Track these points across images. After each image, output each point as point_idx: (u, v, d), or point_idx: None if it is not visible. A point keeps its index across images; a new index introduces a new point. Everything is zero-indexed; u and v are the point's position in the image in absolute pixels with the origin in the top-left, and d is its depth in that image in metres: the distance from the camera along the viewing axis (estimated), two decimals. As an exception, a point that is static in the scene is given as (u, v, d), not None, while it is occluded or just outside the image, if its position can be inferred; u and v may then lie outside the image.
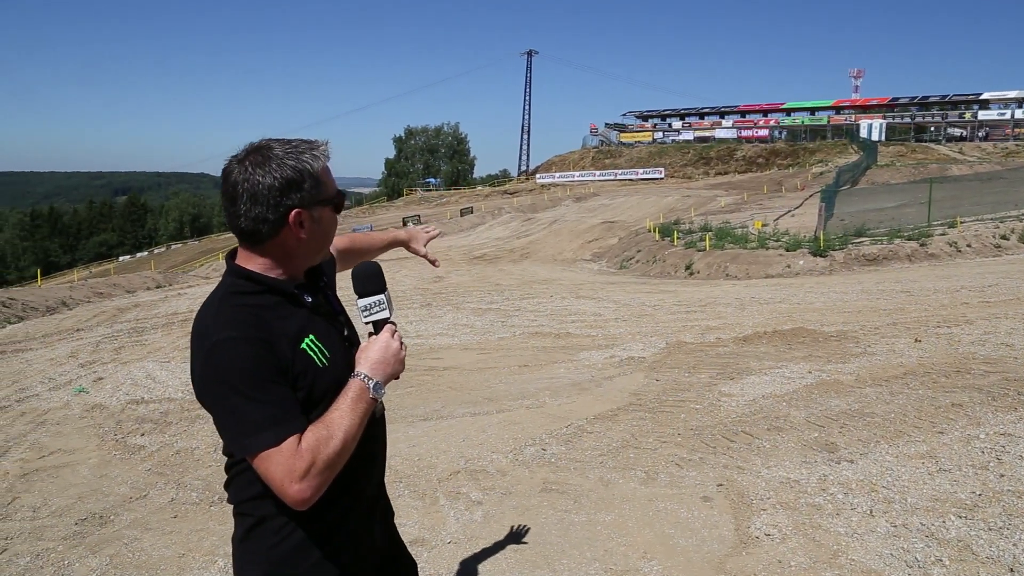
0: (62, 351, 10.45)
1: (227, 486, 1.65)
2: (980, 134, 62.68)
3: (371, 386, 1.56)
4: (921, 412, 5.40)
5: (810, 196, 37.37)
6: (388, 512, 1.91)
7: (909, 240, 18.93)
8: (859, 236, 19.83)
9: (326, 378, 1.55)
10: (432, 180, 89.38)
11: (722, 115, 79.63)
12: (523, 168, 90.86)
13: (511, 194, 67.99)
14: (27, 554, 4.08)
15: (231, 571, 1.67)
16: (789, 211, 32.65)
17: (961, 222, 20.27)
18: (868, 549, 3.53)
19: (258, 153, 1.54)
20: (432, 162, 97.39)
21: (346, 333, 1.71)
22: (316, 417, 1.50)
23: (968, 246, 18.38)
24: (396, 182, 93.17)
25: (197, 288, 20.93)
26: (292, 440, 1.43)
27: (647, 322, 11.04)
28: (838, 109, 72.83)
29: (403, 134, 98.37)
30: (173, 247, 67.60)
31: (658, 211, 39.38)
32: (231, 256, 1.62)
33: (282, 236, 1.56)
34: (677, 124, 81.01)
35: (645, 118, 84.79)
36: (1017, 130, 60.08)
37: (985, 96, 64.04)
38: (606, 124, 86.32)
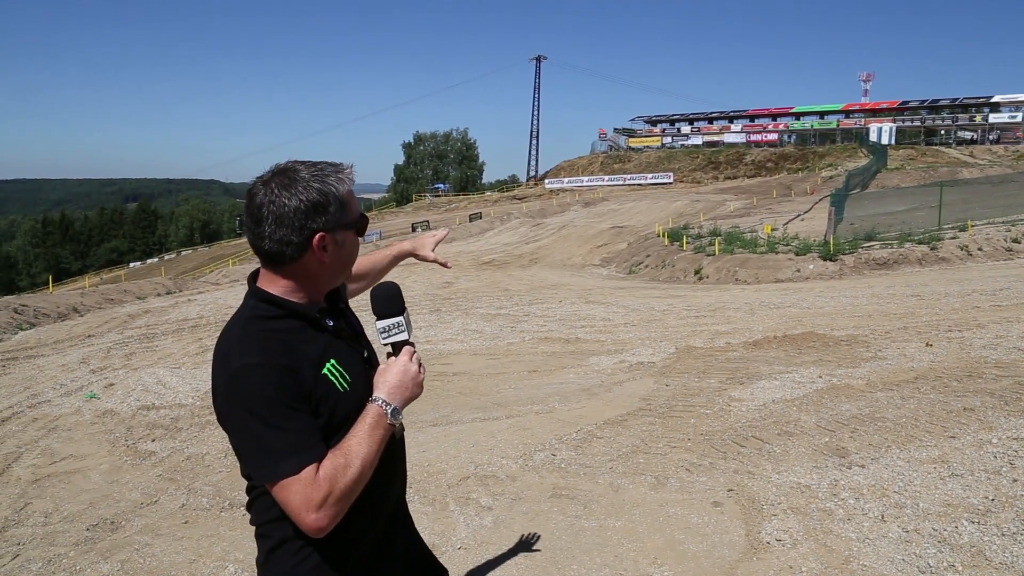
0: (73, 357, 10.51)
1: (248, 507, 1.66)
2: (991, 137, 62.39)
3: (388, 412, 1.54)
4: (933, 416, 5.37)
5: (820, 200, 37.25)
6: (408, 522, 1.89)
7: (920, 244, 18.84)
8: (869, 240, 19.76)
9: (347, 402, 1.55)
10: (441, 186, 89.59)
11: (731, 119, 79.53)
12: (532, 173, 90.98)
13: (520, 199, 68.11)
14: (39, 560, 4.10)
15: None
16: (799, 215, 32.56)
17: (972, 225, 20.17)
18: (880, 555, 3.51)
19: (284, 175, 1.53)
20: (441, 168, 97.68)
21: (366, 355, 1.70)
22: (336, 441, 1.50)
23: (979, 250, 18.27)
24: (405, 188, 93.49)
25: (207, 294, 21.01)
26: (311, 469, 1.43)
27: (656, 327, 11.02)
28: (848, 113, 72.61)
29: (412, 140, 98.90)
30: (183, 253, 67.96)
31: (667, 216, 39.35)
32: (253, 278, 1.62)
33: (305, 259, 1.55)
34: (686, 129, 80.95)
35: (654, 123, 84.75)
36: (1028, 133, 59.78)
37: (996, 99, 63.76)
38: (615, 129, 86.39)
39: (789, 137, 73.29)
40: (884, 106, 71.12)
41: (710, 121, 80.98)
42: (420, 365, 1.65)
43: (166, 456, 5.91)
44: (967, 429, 5.04)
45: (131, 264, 66.25)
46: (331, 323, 1.62)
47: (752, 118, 78.08)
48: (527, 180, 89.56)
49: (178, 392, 8.06)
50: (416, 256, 2.35)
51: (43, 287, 40.67)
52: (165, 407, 7.46)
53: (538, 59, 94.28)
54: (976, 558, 3.37)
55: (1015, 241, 18.57)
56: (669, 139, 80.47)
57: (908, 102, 70.56)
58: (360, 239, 1.67)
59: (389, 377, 1.59)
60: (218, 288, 24.60)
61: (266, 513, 1.58)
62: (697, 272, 20.42)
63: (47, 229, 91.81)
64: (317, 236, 1.53)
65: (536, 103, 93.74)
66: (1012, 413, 5.26)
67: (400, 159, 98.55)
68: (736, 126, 77.60)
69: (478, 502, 4.59)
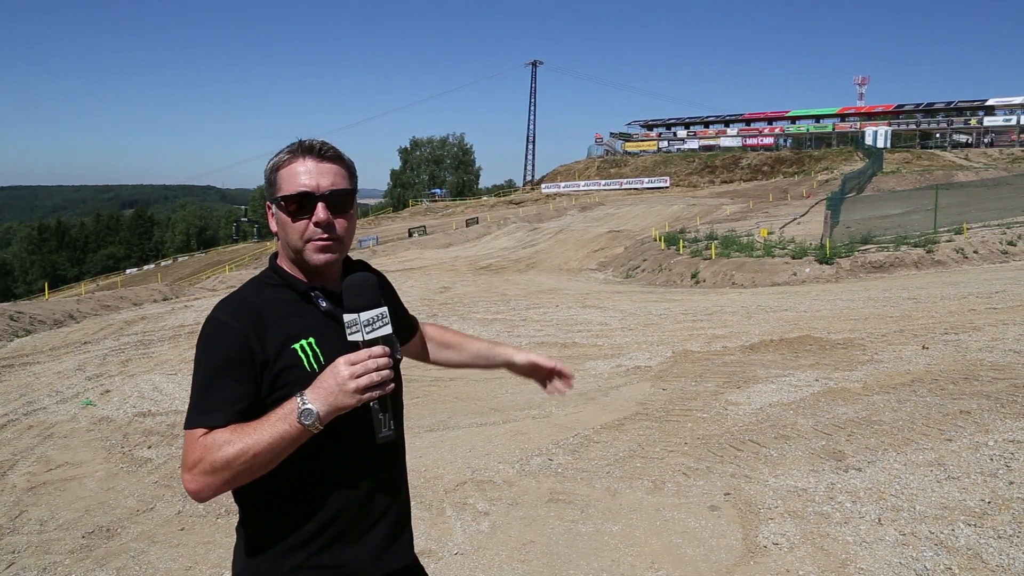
0: (69, 364, 10.49)
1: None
2: (986, 140, 62.59)
3: (299, 411, 1.44)
4: (929, 419, 5.38)
5: (816, 204, 37.29)
6: (403, 551, 1.76)
7: (916, 247, 18.87)
8: (865, 243, 19.77)
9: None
10: (438, 191, 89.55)
11: (727, 123, 79.71)
12: (528, 178, 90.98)
13: (517, 204, 68.12)
14: (34, 568, 4.09)
15: None
16: (795, 219, 32.59)
17: (968, 228, 20.21)
18: (877, 558, 3.51)
19: None
20: (438, 173, 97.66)
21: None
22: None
23: (975, 252, 18.31)
24: (402, 193, 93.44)
25: (203, 300, 20.98)
26: (200, 432, 1.46)
27: (653, 331, 11.02)
28: (843, 116, 72.78)
29: (408, 145, 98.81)
30: (180, 260, 67.88)
31: (663, 220, 39.39)
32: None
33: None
34: (682, 133, 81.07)
35: (650, 127, 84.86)
36: (1023, 136, 59.94)
37: (991, 102, 63.99)
38: (611, 134, 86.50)
39: (785, 141, 73.40)
40: (879, 110, 71.33)
41: (706, 125, 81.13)
42: (368, 373, 1.46)
43: (162, 463, 5.90)
44: (963, 432, 5.05)
45: (127, 270, 66.18)
46: (324, 304, 1.61)
47: (748, 122, 78.25)
48: (524, 185, 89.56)
49: (174, 398, 8.05)
50: (521, 370, 2.10)
51: (39, 294, 40.63)
52: (161, 413, 7.44)
53: (534, 64, 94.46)
54: (973, 561, 3.37)
55: (1010, 244, 18.61)
56: (665, 143, 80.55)
57: (903, 105, 70.76)
58: (296, 221, 1.57)
59: (321, 377, 1.48)
60: (214, 294, 24.56)
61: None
62: (694, 276, 20.44)
63: (43, 236, 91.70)
64: (268, 207, 1.64)
65: (533, 108, 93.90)
66: (1008, 416, 5.27)
67: (397, 164, 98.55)
68: (732, 130, 77.76)
69: (475, 507, 4.59)
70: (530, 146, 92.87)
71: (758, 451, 5.14)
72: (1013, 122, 61.35)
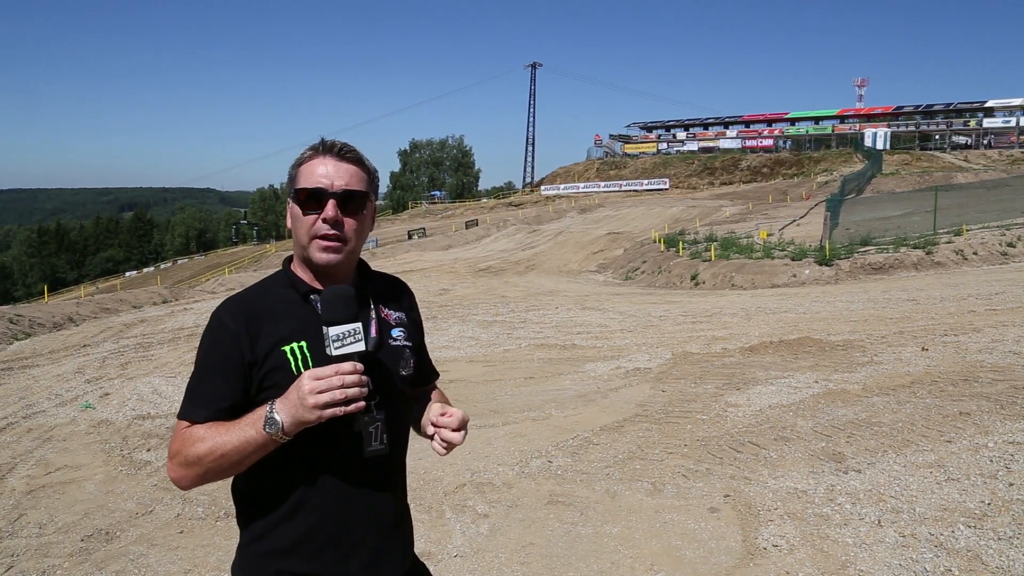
0: (68, 367, 10.48)
1: None
2: (985, 142, 62.58)
3: (265, 419, 1.45)
4: (929, 421, 5.38)
5: (815, 205, 37.33)
6: (407, 549, 1.76)
7: (915, 248, 18.88)
8: (865, 245, 19.78)
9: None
10: (437, 193, 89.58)
11: (726, 125, 79.73)
12: (528, 180, 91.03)
13: (516, 206, 68.13)
14: (33, 571, 4.08)
15: None
16: (794, 220, 32.62)
17: (967, 230, 20.22)
18: (877, 559, 3.51)
19: None
20: (437, 175, 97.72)
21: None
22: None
23: (974, 254, 18.32)
24: (401, 195, 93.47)
25: (203, 303, 20.97)
26: (185, 423, 1.55)
27: (653, 333, 11.02)
28: (842, 118, 72.80)
29: (408, 147, 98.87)
30: (179, 262, 67.86)
31: (663, 222, 39.41)
32: None
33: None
34: (681, 135, 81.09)
35: (649, 129, 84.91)
36: (1022, 137, 60.00)
37: (990, 104, 64.01)
38: (610, 135, 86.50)
39: (784, 142, 73.38)
40: (879, 111, 71.35)
41: (706, 127, 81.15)
42: (331, 390, 1.43)
43: (161, 465, 5.89)
44: (963, 433, 5.05)
45: (127, 273, 66.12)
46: (320, 311, 1.59)
47: (747, 124, 78.27)
48: (523, 187, 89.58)
49: (174, 401, 8.03)
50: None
51: (39, 297, 40.63)
52: (161, 416, 7.43)
53: (534, 66, 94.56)
54: (972, 562, 3.37)
55: (1010, 245, 18.63)
56: (665, 145, 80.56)
57: (903, 107, 70.78)
58: (306, 215, 1.58)
59: (290, 389, 1.47)
60: (214, 297, 24.54)
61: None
62: (693, 278, 20.44)
63: (43, 239, 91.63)
64: (288, 203, 1.66)
65: (532, 110, 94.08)
66: (1008, 417, 5.26)
67: (396, 167, 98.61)
68: (732, 132, 77.78)
69: (474, 509, 4.58)
70: (529, 148, 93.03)
71: (758, 453, 5.14)
72: (1012, 124, 61.35)
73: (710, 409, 6.34)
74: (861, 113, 72.32)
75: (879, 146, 62.62)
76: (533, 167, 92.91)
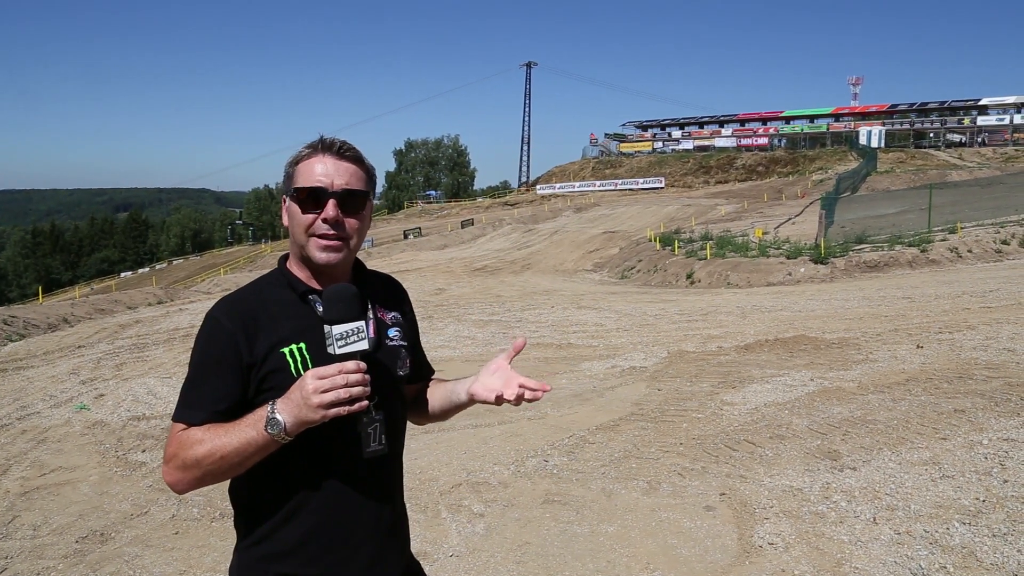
0: (63, 368, 10.45)
1: None
2: (979, 139, 62.77)
3: (267, 419, 1.43)
4: (924, 418, 5.39)
5: (810, 204, 37.39)
6: (404, 550, 1.77)
7: (910, 246, 18.93)
8: (860, 243, 19.84)
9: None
10: (433, 192, 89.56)
11: (721, 124, 79.83)
12: (523, 179, 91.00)
13: (512, 205, 68.18)
14: (28, 573, 4.07)
15: None
16: (789, 219, 32.70)
17: (962, 228, 20.28)
18: (872, 557, 3.51)
19: None
20: (432, 174, 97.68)
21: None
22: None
23: (969, 251, 18.38)
24: (397, 195, 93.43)
25: (198, 304, 20.92)
26: (181, 426, 1.51)
27: (648, 332, 11.03)
28: (837, 116, 72.93)
29: (403, 147, 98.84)
30: (175, 263, 67.72)
31: (659, 220, 39.43)
32: None
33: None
34: (677, 133, 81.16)
35: (645, 128, 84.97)
36: (1016, 135, 60.18)
37: (984, 101, 64.18)
38: (606, 134, 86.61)
39: (779, 141, 73.50)
40: (873, 109, 71.48)
41: (701, 126, 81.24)
42: (335, 389, 1.42)
43: (156, 466, 5.87)
44: (958, 431, 5.06)
45: (122, 274, 65.96)
46: (321, 308, 1.56)
47: (742, 122, 78.40)
48: (519, 186, 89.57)
49: (169, 402, 8.01)
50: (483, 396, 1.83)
51: (33, 298, 40.48)
52: (156, 417, 7.42)
53: (529, 65, 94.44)
54: (967, 559, 3.38)
55: (1004, 243, 18.69)
56: (660, 144, 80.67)
57: (897, 105, 70.93)
58: (305, 214, 1.56)
59: (292, 389, 1.45)
60: (210, 297, 24.50)
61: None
62: (689, 276, 20.47)
63: (37, 240, 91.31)
64: (283, 201, 1.63)
65: (527, 109, 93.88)
66: (1002, 414, 5.28)
67: (391, 166, 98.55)
68: (726, 130, 77.88)
69: (470, 509, 4.58)
70: (525, 147, 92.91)
71: (753, 451, 5.14)
72: (1006, 121, 61.52)
73: (706, 407, 6.35)
74: (856, 111, 72.44)
75: (874, 144, 62.74)
76: (529, 166, 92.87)
